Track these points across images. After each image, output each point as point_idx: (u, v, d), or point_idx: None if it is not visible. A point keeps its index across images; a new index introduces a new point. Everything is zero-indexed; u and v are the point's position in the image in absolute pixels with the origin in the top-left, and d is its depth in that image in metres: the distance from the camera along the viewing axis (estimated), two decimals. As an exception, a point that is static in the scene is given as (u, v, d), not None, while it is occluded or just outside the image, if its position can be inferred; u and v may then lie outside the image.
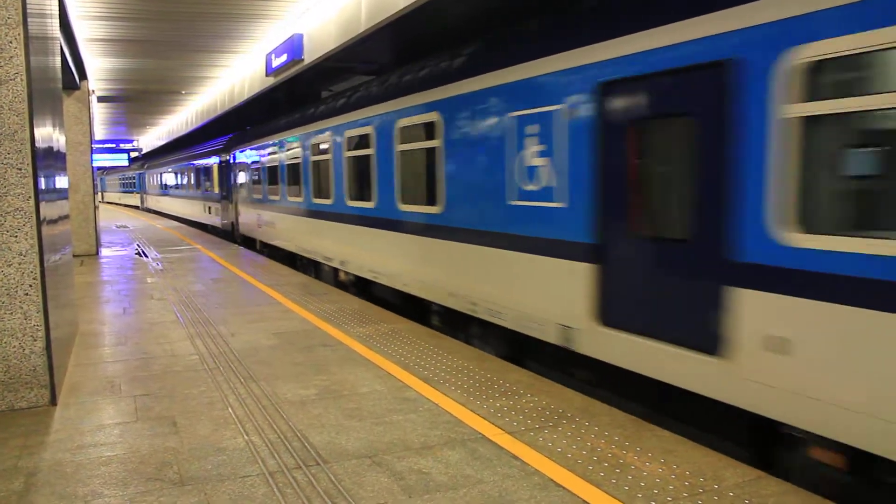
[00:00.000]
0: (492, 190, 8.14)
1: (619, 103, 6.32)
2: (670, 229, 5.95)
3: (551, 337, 7.24)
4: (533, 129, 7.41)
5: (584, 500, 4.31)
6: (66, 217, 8.95)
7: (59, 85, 8.84)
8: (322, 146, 13.80)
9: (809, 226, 4.69)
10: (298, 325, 9.47)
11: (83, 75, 17.57)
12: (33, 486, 4.57)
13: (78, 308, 10.32)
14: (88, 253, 18.58)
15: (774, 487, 4.47)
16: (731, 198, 5.23)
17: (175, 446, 5.25)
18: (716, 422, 5.67)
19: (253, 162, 20.11)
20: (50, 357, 6.21)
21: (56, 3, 9.27)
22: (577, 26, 7.15)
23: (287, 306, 10.88)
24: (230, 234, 24.21)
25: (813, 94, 4.61)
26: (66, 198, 9.14)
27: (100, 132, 39.50)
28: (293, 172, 16.06)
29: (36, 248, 6.07)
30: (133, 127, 41.11)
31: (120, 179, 68.10)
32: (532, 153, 7.45)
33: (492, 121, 8.09)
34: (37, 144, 6.11)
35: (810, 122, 4.66)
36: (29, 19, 6.05)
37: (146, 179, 50.44)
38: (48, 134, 7.05)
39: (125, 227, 31.38)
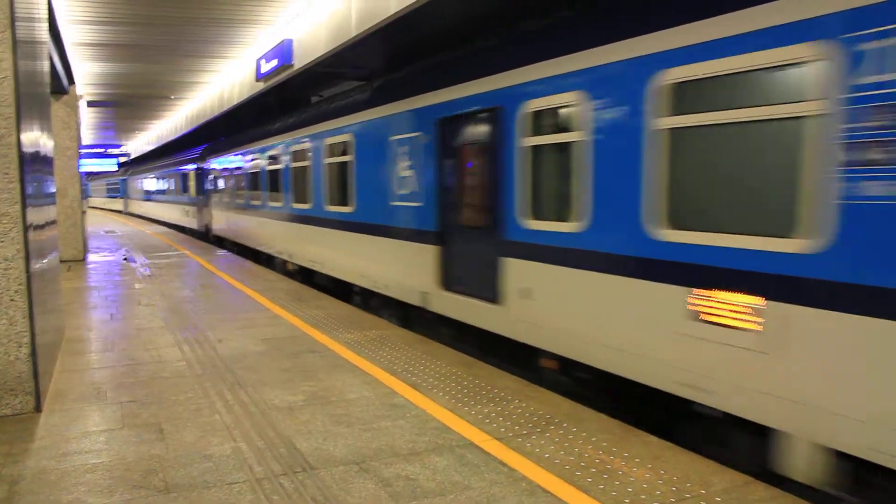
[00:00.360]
0: (382, 194, 10.84)
1: (448, 133, 9.03)
2: (477, 220, 8.49)
3: (416, 301, 9.87)
4: (403, 149, 10.14)
5: (572, 507, 4.31)
6: (54, 222, 8.90)
7: (48, 89, 8.80)
8: (275, 158, 16.78)
9: (536, 215, 7.43)
10: (286, 331, 9.44)
11: (71, 80, 17.50)
12: (17, 495, 4.53)
13: (64, 314, 10.26)
14: (76, 258, 18.47)
15: (762, 493, 4.48)
16: (501, 198, 7.87)
17: (161, 453, 5.22)
18: (510, 352, 8.13)
19: (223, 170, 23.16)
20: (35, 363, 6.16)
21: (45, 6, 9.23)
22: (423, 76, 9.83)
23: (275, 312, 10.85)
24: (206, 236, 27.06)
25: (533, 132, 7.40)
26: (54, 203, 9.09)
27: (88, 137, 39.30)
28: (253, 180, 19.04)
29: (22, 254, 6.03)
30: (122, 132, 40.93)
31: (104, 185, 70.26)
32: (403, 167, 10.16)
33: (381, 142, 10.82)
34: (24, 149, 6.07)
35: (534, 149, 7.42)
36: (17, 23, 6.02)
37: (129, 185, 54.20)
38: (35, 139, 7.01)
39: (113, 232, 31.23)
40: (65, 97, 17.79)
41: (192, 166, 29.12)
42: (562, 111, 7.05)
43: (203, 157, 27.03)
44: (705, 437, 5.74)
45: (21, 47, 6.21)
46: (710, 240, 5.35)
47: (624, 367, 6.21)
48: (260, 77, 15.89)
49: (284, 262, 16.82)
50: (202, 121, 24.86)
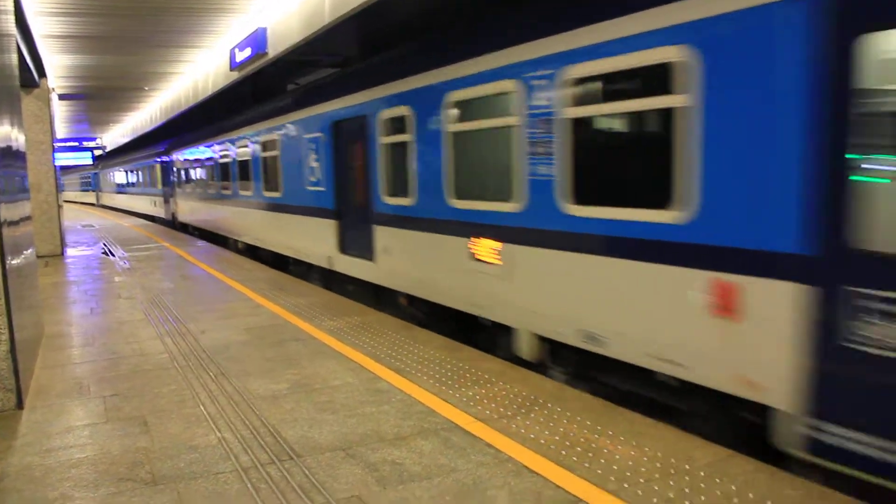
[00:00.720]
0: (300, 181, 13.44)
1: (339, 134, 11.70)
2: (359, 199, 11.03)
3: (325, 264, 12.61)
4: (312, 146, 12.77)
5: (558, 485, 4.35)
6: (28, 218, 8.80)
7: (17, 83, 8.66)
8: (225, 153, 19.40)
9: (391, 194, 9.96)
10: (268, 320, 9.42)
11: (42, 73, 17.24)
12: (1, 492, 4.51)
13: (43, 310, 10.16)
14: (53, 253, 18.29)
15: (744, 466, 4.55)
16: (371, 182, 10.49)
17: (146, 446, 5.21)
18: (387, 296, 10.64)
19: (184, 163, 25.95)
20: (15, 360, 6.11)
21: (11, -1, 9.08)
22: (326, 88, 12.52)
23: (257, 301, 10.81)
24: (173, 224, 29.46)
25: (386, 133, 9.95)
26: (28, 198, 8.98)
27: (62, 131, 38.80)
28: (209, 172, 21.69)
29: (-3, 250, 5.96)
30: (96, 125, 40.41)
31: (77, 179, 71.95)
32: (312, 159, 12.79)
33: (298, 140, 13.48)
34: (-5, 144, 5.99)
35: (386, 146, 9.99)
36: (-17, 16, 5.93)
37: (101, 179, 57.23)
38: (6, 133, 6.91)
39: (91, 226, 30.93)
40: (36, 90, 17.53)
41: (158, 160, 31.38)
42: (399, 119, 9.62)
43: (168, 152, 29.28)
44: (484, 339, 8.31)
45: (-11, 40, 6.11)
46: (475, 206, 8.03)
47: (442, 297, 8.84)
48: (234, 66, 15.74)
49: (235, 241, 19.69)
50: (177, 112, 24.62)
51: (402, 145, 9.53)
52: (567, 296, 6.66)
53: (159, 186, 31.76)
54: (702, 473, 4.46)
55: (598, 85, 6.39)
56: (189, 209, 25.88)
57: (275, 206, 15.25)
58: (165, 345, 8.30)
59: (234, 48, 15.59)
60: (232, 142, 18.52)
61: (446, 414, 5.68)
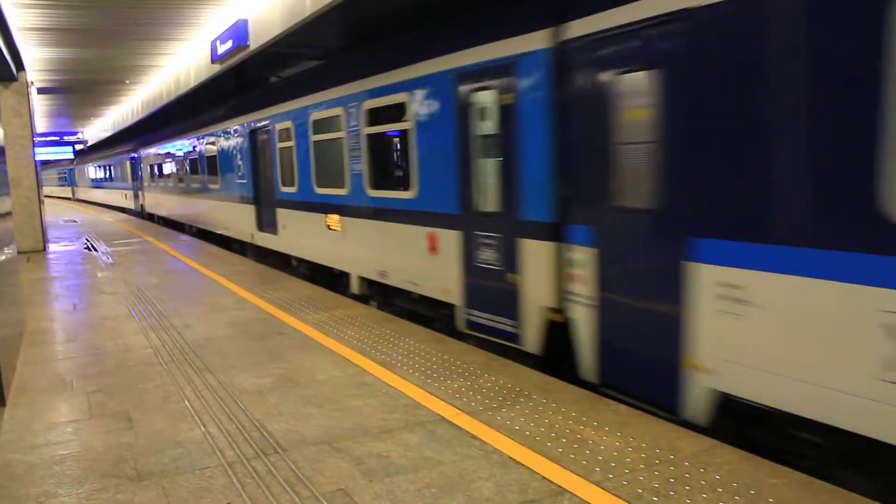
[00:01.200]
0: (235, 175, 16.93)
1: (256, 139, 15.20)
2: (269, 189, 14.50)
3: (248, 239, 16.19)
4: (238, 148, 16.39)
5: (543, 476, 4.37)
6: (9, 213, 8.70)
7: (-5, 77, 8.56)
8: (179, 152, 23.22)
9: (285, 185, 13.51)
10: (253, 314, 9.39)
11: (20, 66, 17.03)
12: (-16, 489, 4.47)
13: (25, 306, 10.08)
14: (35, 249, 18.12)
15: (728, 455, 4.58)
16: (274, 175, 13.94)
17: (131, 441, 5.18)
18: (285, 261, 14.27)
19: (148, 158, 29.67)
20: (-3, 357, 6.06)
21: (-13, -9, 8.95)
22: (247, 103, 15.98)
23: (241, 295, 10.77)
24: (141, 214, 33.20)
25: (281, 140, 13.55)
26: (7, 193, 8.88)
27: (42, 125, 38.38)
28: (170, 168, 25.39)
29: (-23, 246, 5.90)
30: (77, 119, 39.98)
31: (55, 174, 74.00)
32: (239, 158, 16.45)
33: (231, 142, 17.00)
34: (-27, 139, 5.92)
35: (282, 149, 13.48)
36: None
37: (76, 174, 61.47)
38: (-15, 128, 6.83)
39: (73, 221, 30.67)
40: (14, 84, 17.33)
41: (127, 157, 35.61)
42: (287, 129, 13.08)
43: (135, 149, 33.12)
44: (340, 285, 11.63)
45: (-34, 34, 6.03)
46: (328, 192, 11.48)
47: (315, 257, 12.38)
48: (216, 59, 15.59)
49: (190, 226, 23.46)
50: (159, 105, 24.40)
51: (289, 149, 13.08)
52: (371, 248, 10.18)
53: (129, 181, 35.76)
54: (686, 463, 4.49)
55: (377, 113, 9.84)
56: (154, 201, 29.79)
57: (216, 196, 18.99)
58: (150, 340, 8.25)
59: (215, 40, 15.44)
60: (184, 143, 22.52)
61: (432, 406, 5.69)
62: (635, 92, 5.60)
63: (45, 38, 16.34)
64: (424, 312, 9.15)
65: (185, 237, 21.03)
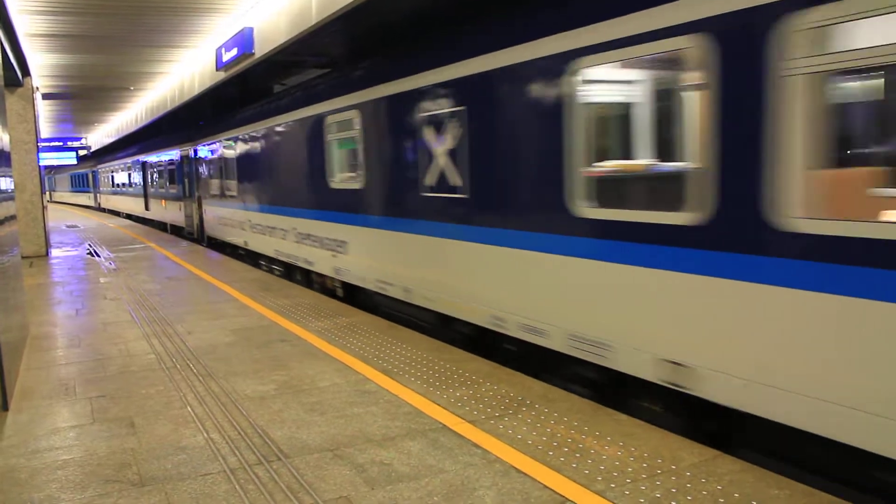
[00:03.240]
0: (177, 185, 24.24)
1: (186, 160, 23.03)
2: (198, 192, 21.93)
3: (178, 223, 24.97)
4: (173, 166, 24.86)
5: (545, 486, 4.37)
6: (13, 217, 8.73)
7: (1, 82, 8.61)
8: (152, 164, 29.51)
9: (206, 193, 21.07)
10: (256, 321, 9.40)
11: (26, 72, 17.11)
12: (-13, 493, 4.48)
13: (28, 311, 10.09)
14: (38, 254, 18.16)
15: (730, 466, 4.59)
16: (196, 185, 22.05)
17: (134, 447, 5.19)
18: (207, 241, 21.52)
19: (107, 172, 43.20)
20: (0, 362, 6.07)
21: (-5, -3, 9.01)
22: (179, 137, 24.44)
23: (243, 302, 10.79)
24: (98, 208, 46.53)
25: (200, 159, 21.76)
26: (12, 198, 8.92)
27: (46, 130, 38.50)
28: (134, 179, 33.89)
29: (-18, 251, 5.93)
30: (81, 125, 40.11)
31: (67, 177, 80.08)
32: (181, 173, 24.19)
33: (174, 163, 24.46)
34: (-20, 144, 5.95)
35: (203, 163, 21.52)
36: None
37: (55, 181, 74.62)
38: (-9, 133, 6.87)
39: (75, 226, 30.71)
40: (19, 90, 17.40)
41: (91, 170, 50.42)
42: (214, 150, 18.71)
43: (97, 163, 46.83)
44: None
45: (-26, 39, 6.07)
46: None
47: (227, 239, 18.24)
48: (220, 66, 15.67)
49: (152, 220, 31.21)
50: (162, 112, 24.50)
51: (212, 161, 19.36)
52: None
53: (90, 187, 52.88)
54: (688, 473, 4.49)
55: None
56: (112, 203, 42.28)
57: (161, 196, 27.44)
58: (152, 346, 8.26)
59: (220, 48, 15.52)
60: (157, 157, 28.55)
61: (434, 415, 5.69)
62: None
63: (51, 44, 16.42)
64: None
65: (185, 244, 21.07)
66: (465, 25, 8.03)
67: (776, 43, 4.38)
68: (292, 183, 13.48)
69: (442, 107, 8.15)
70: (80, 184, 58.97)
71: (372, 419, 5.64)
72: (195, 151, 21.63)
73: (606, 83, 6.56)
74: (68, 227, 30.55)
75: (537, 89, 6.59)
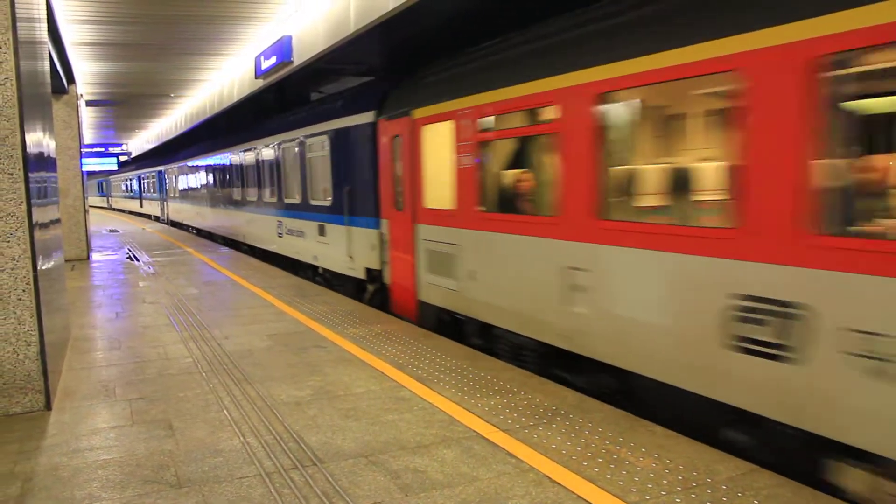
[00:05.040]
0: (159, 190, 40.65)
1: (161, 177, 39.91)
2: (165, 195, 38.50)
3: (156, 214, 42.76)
4: (154, 180, 43.49)
5: (579, 496, 4.35)
6: (58, 221, 8.94)
7: (49, 89, 8.83)
8: (135, 180, 50.57)
9: (173, 196, 36.12)
10: (291, 327, 9.49)
11: (71, 79, 17.52)
12: (30, 491, 4.58)
13: (70, 313, 10.30)
14: (79, 257, 18.53)
15: (767, 480, 4.52)
16: (166, 191, 38.57)
17: (171, 449, 5.27)
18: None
19: (124, 180, 60.09)
20: (44, 362, 6.21)
21: (44, 6, 9.26)
22: (149, 161, 47.68)
23: (280, 308, 10.89)
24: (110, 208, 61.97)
25: (171, 179, 37.10)
26: (57, 202, 9.13)
27: (88, 136, 39.37)
28: (140, 186, 50.09)
29: (28, 253, 6.07)
30: (122, 131, 41.00)
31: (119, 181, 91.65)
32: (138, 186, 49.97)
33: (157, 179, 41.57)
34: (27, 149, 6.10)
35: (171, 178, 36.40)
36: (18, 24, 6.05)
37: (167, 180, 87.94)
38: (38, 139, 7.04)
39: (116, 231, 31.29)
40: (65, 97, 17.81)
41: (102, 181, 71.50)
42: (177, 172, 33.55)
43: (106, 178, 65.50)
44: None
45: (22, 48, 6.23)
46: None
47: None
48: (259, 74, 15.90)
49: (149, 215, 45.25)
50: (202, 119, 24.89)
51: (184, 175, 30.78)
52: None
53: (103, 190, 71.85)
54: (724, 487, 4.44)
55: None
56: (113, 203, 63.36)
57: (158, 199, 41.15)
58: (189, 350, 8.38)
59: (259, 56, 15.75)
60: (135, 175, 45.02)
61: (468, 423, 5.70)
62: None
63: (96, 52, 16.81)
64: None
65: (224, 249, 21.29)
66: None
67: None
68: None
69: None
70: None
71: (406, 426, 5.66)
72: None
73: None
74: (109, 231, 31.12)
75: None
